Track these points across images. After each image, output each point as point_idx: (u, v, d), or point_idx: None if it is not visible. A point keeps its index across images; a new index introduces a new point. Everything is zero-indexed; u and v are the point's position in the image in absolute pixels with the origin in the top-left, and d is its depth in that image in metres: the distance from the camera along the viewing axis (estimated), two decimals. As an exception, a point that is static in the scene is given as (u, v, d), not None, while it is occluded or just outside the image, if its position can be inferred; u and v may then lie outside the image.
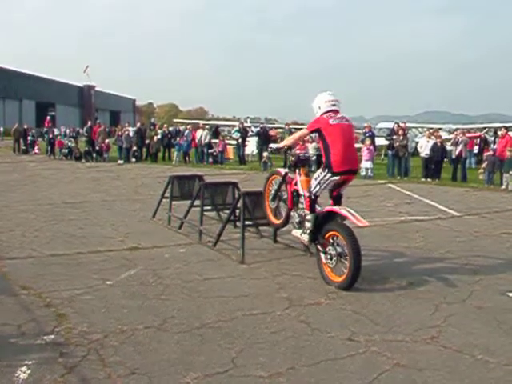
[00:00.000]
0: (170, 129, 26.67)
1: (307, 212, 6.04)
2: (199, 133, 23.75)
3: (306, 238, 6.09)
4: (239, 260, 6.70)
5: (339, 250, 5.65)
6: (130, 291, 5.44)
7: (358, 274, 5.48)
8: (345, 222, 5.76)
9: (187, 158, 23.74)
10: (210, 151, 23.54)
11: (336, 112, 5.97)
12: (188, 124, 27.98)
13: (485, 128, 28.85)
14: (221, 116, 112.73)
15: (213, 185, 8.87)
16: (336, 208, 5.85)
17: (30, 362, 3.76)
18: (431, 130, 21.07)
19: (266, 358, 3.93)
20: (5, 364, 3.73)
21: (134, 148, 23.89)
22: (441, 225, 9.69)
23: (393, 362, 3.91)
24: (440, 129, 26.39)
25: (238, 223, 7.93)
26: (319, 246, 5.94)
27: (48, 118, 44.25)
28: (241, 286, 5.71)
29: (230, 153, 24.83)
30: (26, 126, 31.79)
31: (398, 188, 15.19)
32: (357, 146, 20.67)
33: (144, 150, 24.48)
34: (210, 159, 23.33)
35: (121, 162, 23.41)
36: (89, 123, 28.31)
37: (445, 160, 18.45)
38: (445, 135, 22.31)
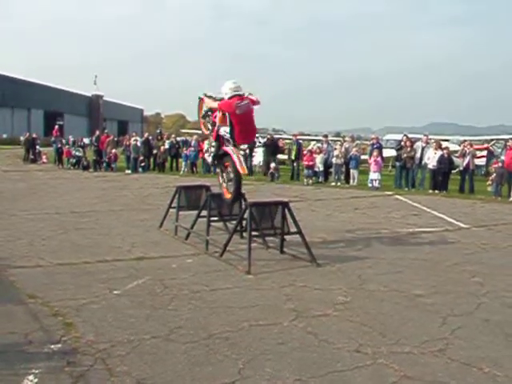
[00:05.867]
0: (178, 139, 26.73)
1: (213, 140, 8.19)
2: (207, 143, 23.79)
3: (209, 159, 8.52)
4: (246, 270, 6.71)
5: (231, 176, 7.73)
6: (138, 301, 5.46)
7: (238, 195, 7.84)
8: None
9: (194, 169, 23.81)
10: (216, 161, 23.54)
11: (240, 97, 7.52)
12: (195, 134, 28.04)
13: (492, 140, 28.71)
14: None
15: (220, 195, 8.87)
16: (229, 149, 7.62)
17: (37, 371, 3.78)
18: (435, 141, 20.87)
19: (273, 369, 3.93)
20: (12, 372, 3.75)
21: (141, 158, 23.98)
22: (448, 237, 9.65)
23: (400, 374, 3.89)
24: (447, 140, 26.22)
25: (244, 234, 7.94)
26: (219, 170, 8.32)
27: (56, 127, 44.49)
28: (248, 297, 5.71)
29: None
30: (34, 136, 32.00)
31: (406, 199, 15.15)
32: (364, 157, 20.71)
33: (151, 159, 24.58)
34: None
35: (128, 171, 23.51)
36: (97, 133, 28.44)
37: (452, 172, 18.37)
38: (453, 147, 22.16)
